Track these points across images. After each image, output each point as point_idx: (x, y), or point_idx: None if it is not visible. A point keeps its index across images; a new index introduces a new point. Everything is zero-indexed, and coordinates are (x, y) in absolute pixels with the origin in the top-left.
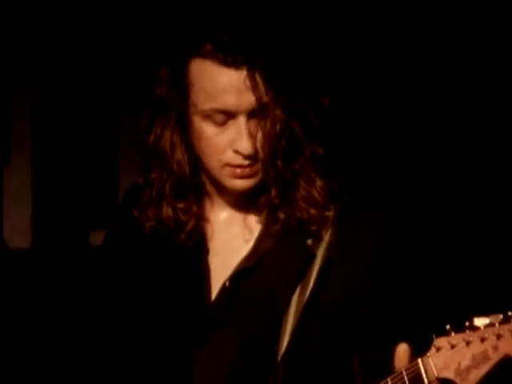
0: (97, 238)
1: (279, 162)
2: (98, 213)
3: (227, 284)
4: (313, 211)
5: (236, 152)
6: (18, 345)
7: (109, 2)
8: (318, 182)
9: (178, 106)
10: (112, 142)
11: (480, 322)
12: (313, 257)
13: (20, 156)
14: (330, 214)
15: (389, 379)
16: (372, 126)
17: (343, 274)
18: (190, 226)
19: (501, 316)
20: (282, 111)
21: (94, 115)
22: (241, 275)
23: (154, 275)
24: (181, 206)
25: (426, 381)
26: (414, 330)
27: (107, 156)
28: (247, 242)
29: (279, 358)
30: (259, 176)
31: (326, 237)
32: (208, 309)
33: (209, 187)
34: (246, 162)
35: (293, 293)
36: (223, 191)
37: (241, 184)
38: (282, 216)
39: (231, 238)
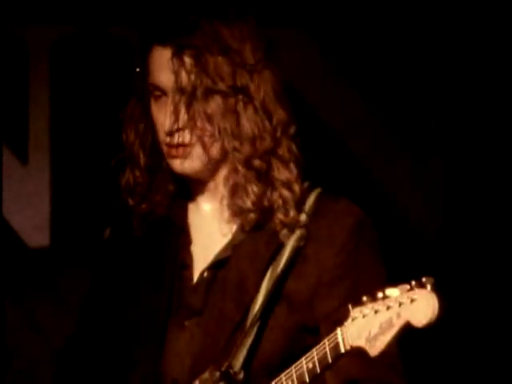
0: None
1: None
2: (113, 210)
3: (205, 274)
4: (280, 216)
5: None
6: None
7: None
8: (254, 188)
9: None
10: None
11: (391, 292)
12: (281, 247)
13: (38, 156)
14: (299, 217)
15: (314, 349)
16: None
17: (313, 263)
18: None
19: (407, 285)
20: (202, 95)
21: (109, 117)
22: (217, 265)
23: (146, 263)
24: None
25: (342, 349)
26: None
27: (122, 155)
28: (225, 235)
29: (242, 340)
30: (196, 159)
31: (298, 229)
32: (187, 296)
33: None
34: (173, 141)
35: (261, 280)
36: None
37: (177, 165)
38: (252, 216)
39: (212, 231)
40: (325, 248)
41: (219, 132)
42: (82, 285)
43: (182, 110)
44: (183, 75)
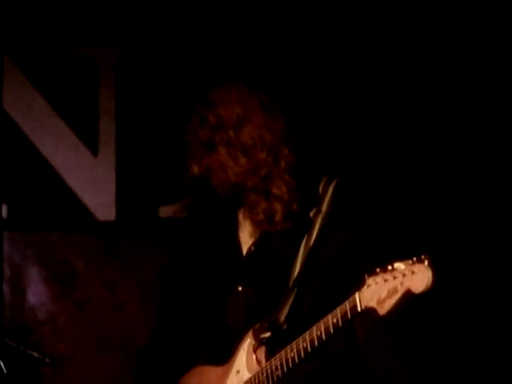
0: (164, 211)
1: None
2: (165, 192)
3: (252, 248)
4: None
5: None
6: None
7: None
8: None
9: None
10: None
11: (397, 265)
12: (311, 223)
13: (106, 149)
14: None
15: (338, 308)
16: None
17: (336, 237)
18: None
19: (410, 261)
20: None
21: (163, 118)
22: (261, 241)
23: (213, 238)
24: None
25: (359, 309)
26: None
27: (175, 148)
28: None
29: (285, 300)
30: None
31: (324, 209)
32: (240, 266)
33: None
34: None
35: (297, 252)
36: None
37: None
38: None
39: None
40: (343, 225)
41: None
42: (140, 249)
43: None
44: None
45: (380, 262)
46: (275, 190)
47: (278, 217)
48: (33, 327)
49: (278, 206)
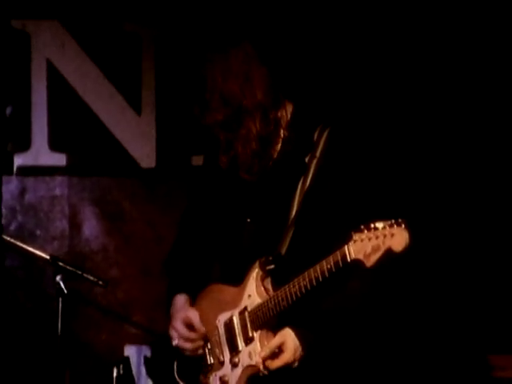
0: (196, 160)
1: None
2: (197, 144)
3: (257, 185)
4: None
5: None
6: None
7: None
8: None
9: None
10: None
11: (379, 224)
12: (306, 167)
13: (148, 109)
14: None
15: (331, 256)
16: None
17: (330, 178)
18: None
19: (389, 222)
20: None
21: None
22: (262, 178)
23: (225, 178)
24: None
25: (348, 259)
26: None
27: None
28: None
29: (285, 235)
30: None
31: (318, 154)
32: (248, 200)
33: None
34: None
35: (294, 193)
36: None
37: None
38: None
39: None
40: (337, 167)
41: None
42: (175, 191)
43: None
44: None
45: (368, 203)
46: (243, 131)
47: (243, 157)
48: (88, 255)
49: (238, 146)
